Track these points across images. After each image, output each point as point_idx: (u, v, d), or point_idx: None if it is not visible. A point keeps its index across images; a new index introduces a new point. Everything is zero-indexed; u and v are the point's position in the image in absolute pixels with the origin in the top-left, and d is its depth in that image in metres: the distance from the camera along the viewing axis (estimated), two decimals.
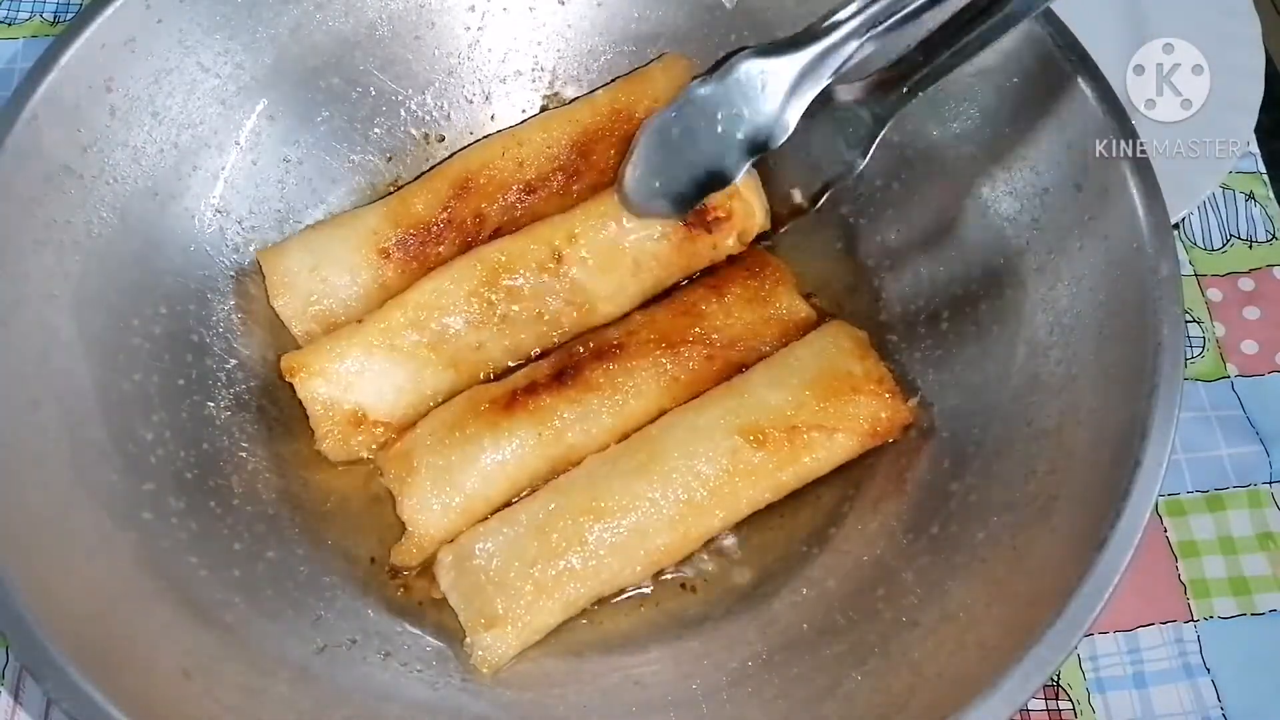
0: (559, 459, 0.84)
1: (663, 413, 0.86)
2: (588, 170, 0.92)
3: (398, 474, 0.83)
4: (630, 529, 0.80)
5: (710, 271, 0.93)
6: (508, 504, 0.84)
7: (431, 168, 0.95)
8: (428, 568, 0.83)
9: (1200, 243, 1.06)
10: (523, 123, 0.95)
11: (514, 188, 0.91)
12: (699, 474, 0.81)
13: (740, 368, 0.88)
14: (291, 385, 0.86)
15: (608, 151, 0.92)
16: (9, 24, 1.13)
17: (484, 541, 0.80)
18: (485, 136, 0.96)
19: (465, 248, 0.90)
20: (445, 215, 0.90)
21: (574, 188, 0.92)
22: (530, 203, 0.91)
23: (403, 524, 0.83)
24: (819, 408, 0.83)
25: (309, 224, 0.94)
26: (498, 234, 0.91)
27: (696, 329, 0.88)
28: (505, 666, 0.79)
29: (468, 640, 0.78)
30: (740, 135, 0.83)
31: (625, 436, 0.85)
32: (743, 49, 0.82)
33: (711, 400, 0.85)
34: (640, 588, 0.84)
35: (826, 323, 0.90)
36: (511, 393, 0.85)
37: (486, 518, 0.83)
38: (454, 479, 0.82)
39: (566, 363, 0.86)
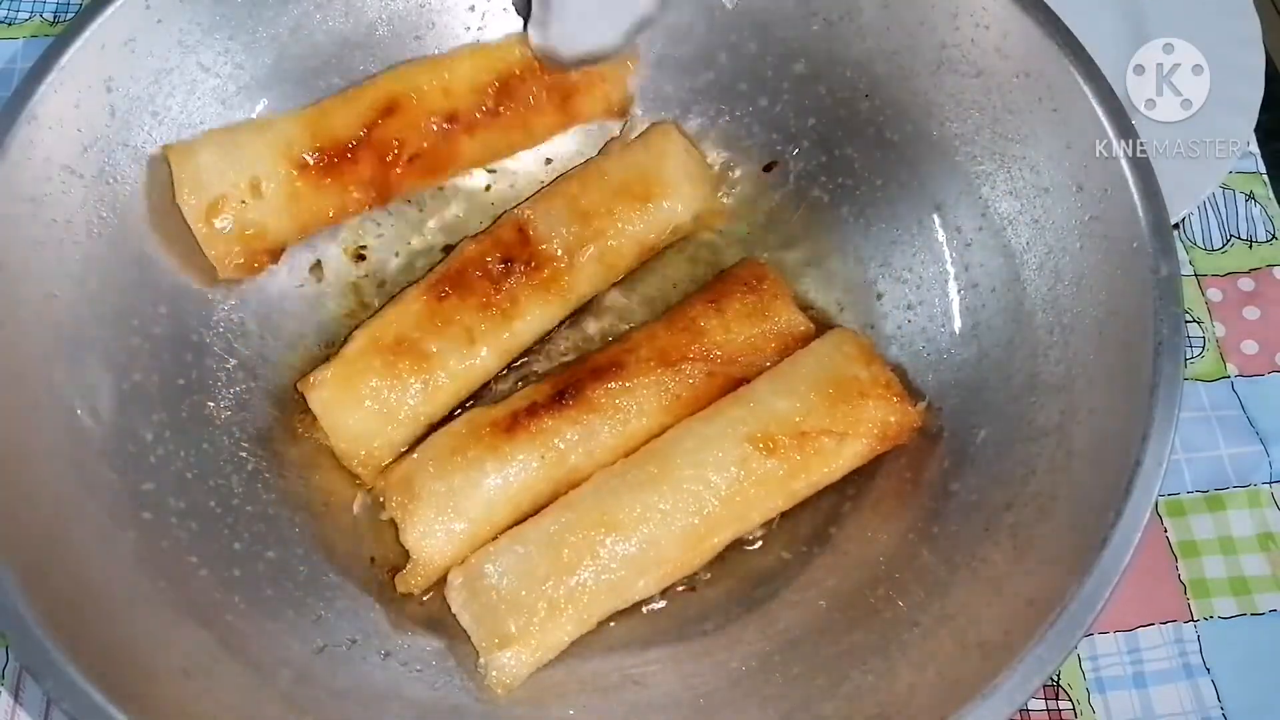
0: (562, 481, 0.84)
1: (665, 431, 0.85)
2: (514, 106, 0.93)
3: (400, 501, 0.82)
4: (642, 541, 0.79)
5: (708, 287, 0.92)
6: (513, 526, 0.83)
7: (354, 85, 0.93)
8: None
9: (1200, 243, 1.06)
10: (452, 50, 0.95)
11: (436, 116, 0.91)
12: (710, 483, 0.80)
13: (741, 383, 0.87)
14: (294, 386, 0.87)
15: (534, 91, 0.94)
16: (9, 24, 1.13)
17: (494, 561, 0.79)
18: (409, 60, 0.95)
19: (381, 171, 0.90)
20: (365, 135, 0.89)
21: (495, 122, 0.93)
22: (450, 131, 0.92)
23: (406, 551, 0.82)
24: (827, 413, 0.83)
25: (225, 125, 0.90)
26: (414, 161, 0.91)
27: (696, 345, 0.87)
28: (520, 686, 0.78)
29: (481, 661, 0.77)
30: None
31: (628, 456, 0.84)
32: None
33: (719, 410, 0.84)
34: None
35: (829, 331, 0.89)
36: (512, 415, 0.84)
37: (494, 539, 0.82)
38: (457, 504, 0.81)
39: (566, 382, 0.85)
